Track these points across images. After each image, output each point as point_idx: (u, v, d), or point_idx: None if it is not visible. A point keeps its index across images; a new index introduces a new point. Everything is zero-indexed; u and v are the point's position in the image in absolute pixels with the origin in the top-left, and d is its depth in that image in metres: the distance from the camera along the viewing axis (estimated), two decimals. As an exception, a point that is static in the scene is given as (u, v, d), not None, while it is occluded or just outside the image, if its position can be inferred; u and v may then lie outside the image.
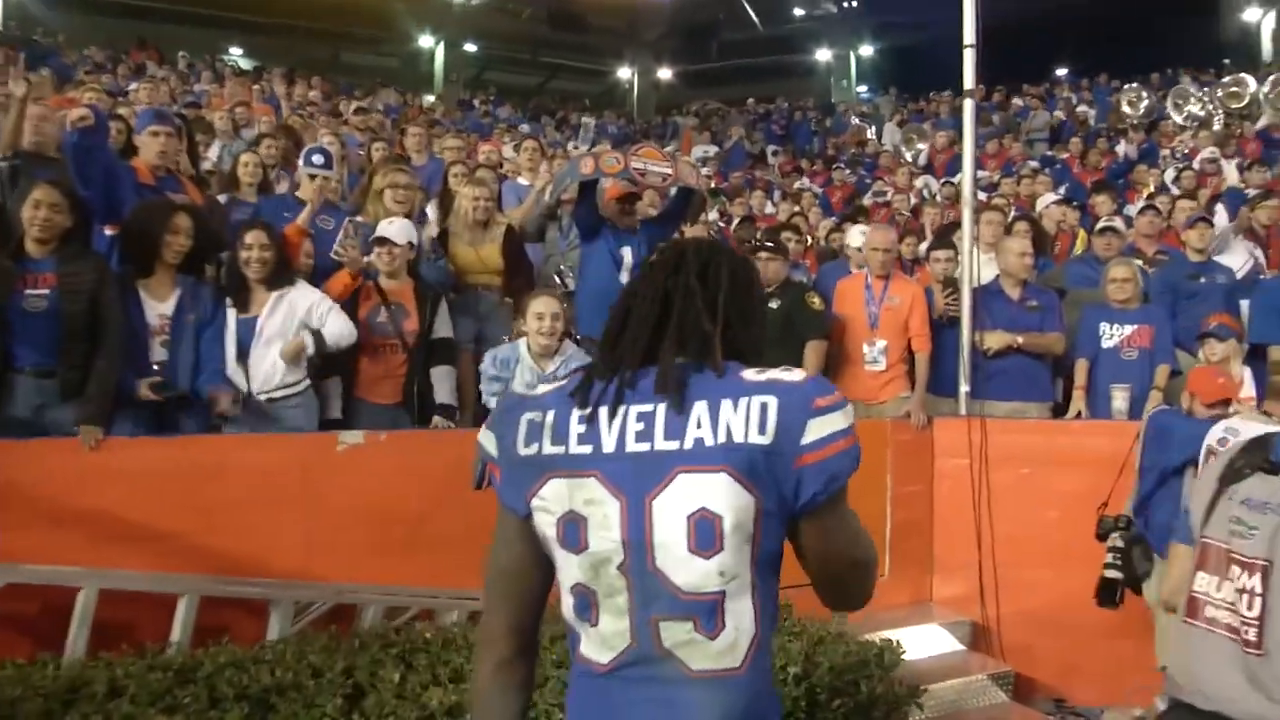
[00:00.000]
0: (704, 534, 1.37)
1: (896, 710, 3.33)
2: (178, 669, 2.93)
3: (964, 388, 5.06)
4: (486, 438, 1.54)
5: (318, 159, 5.53)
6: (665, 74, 30.57)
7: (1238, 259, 6.63)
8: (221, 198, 5.61)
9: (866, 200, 10.45)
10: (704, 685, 1.41)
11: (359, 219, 5.18)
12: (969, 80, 5.14)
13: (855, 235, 6.69)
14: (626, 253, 5.54)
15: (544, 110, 21.49)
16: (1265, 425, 3.23)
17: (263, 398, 4.35)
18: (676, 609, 1.40)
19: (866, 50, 29.58)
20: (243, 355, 4.35)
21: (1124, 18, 24.59)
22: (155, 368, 4.10)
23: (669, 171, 5.55)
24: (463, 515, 4.30)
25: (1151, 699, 4.27)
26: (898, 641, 3.84)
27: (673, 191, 5.61)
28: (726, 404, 1.40)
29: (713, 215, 7.51)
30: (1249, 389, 4.97)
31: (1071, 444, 5.02)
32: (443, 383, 4.82)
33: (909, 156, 14.14)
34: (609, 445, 1.44)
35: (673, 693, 1.41)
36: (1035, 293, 5.54)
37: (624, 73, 30.75)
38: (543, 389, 1.56)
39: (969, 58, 5.12)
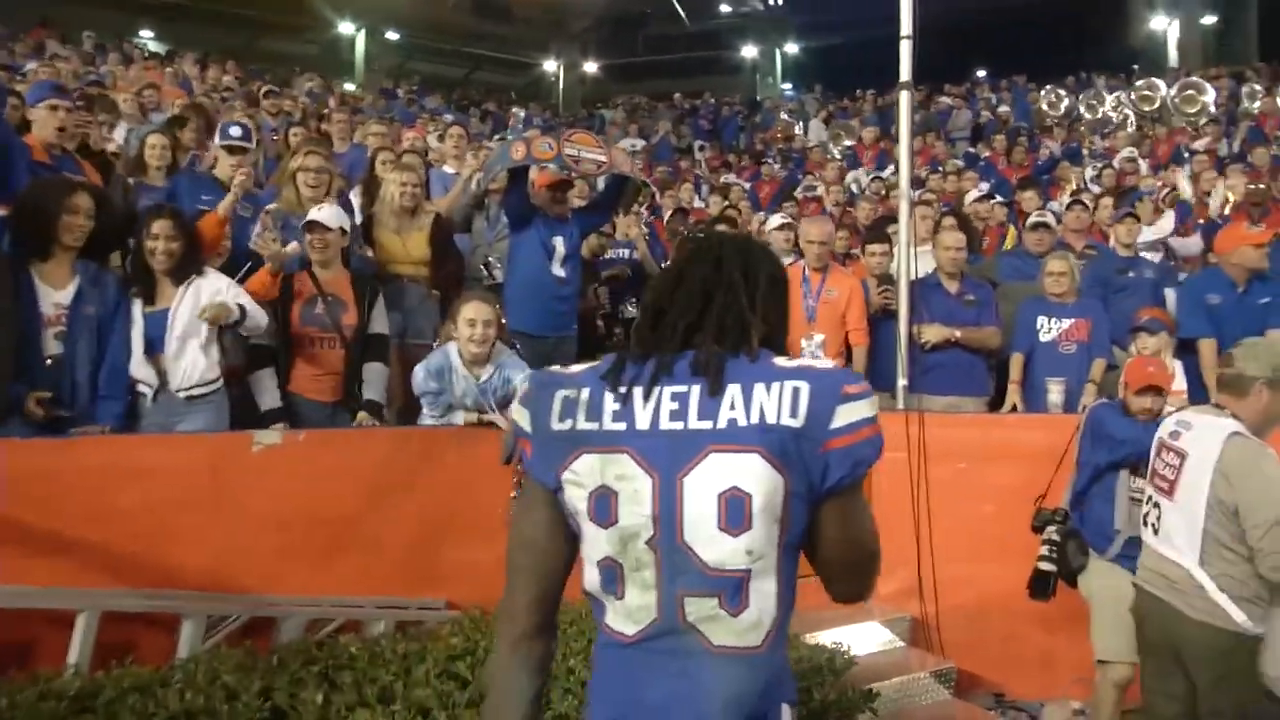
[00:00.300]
0: (734, 512, 1.42)
1: (849, 716, 3.21)
2: (74, 695, 2.65)
3: (901, 381, 4.98)
4: (519, 414, 1.58)
5: (235, 131, 5.24)
6: (591, 67, 30.43)
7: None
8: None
9: (798, 194, 10.40)
10: (725, 660, 1.46)
11: (275, 207, 4.89)
12: (905, 72, 5.06)
13: (775, 220, 6.69)
14: (558, 242, 5.35)
15: (470, 101, 21.10)
16: (1217, 417, 3.20)
17: (182, 395, 4.05)
18: (703, 585, 1.44)
19: (792, 48, 29.83)
20: (149, 350, 4.04)
21: (1039, 22, 25.23)
22: (49, 361, 3.77)
23: (603, 158, 5.38)
24: (393, 518, 4.14)
25: (1088, 692, 4.28)
26: (848, 647, 3.76)
27: (601, 182, 5.42)
28: (759, 387, 1.44)
29: (641, 207, 7.34)
30: (1180, 382, 5.00)
31: (1008, 438, 4.98)
32: (375, 380, 4.56)
33: (836, 152, 14.18)
34: (643, 423, 1.47)
35: (694, 665, 1.46)
36: (972, 286, 5.52)
37: (550, 65, 30.49)
38: (576, 368, 1.59)
39: (905, 49, 5.04)
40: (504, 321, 4.59)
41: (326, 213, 4.58)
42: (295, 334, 4.43)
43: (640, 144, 15.60)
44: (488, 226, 5.97)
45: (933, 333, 5.18)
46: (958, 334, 5.22)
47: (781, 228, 6.59)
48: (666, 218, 8.27)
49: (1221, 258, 5.65)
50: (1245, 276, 5.36)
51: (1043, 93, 16.66)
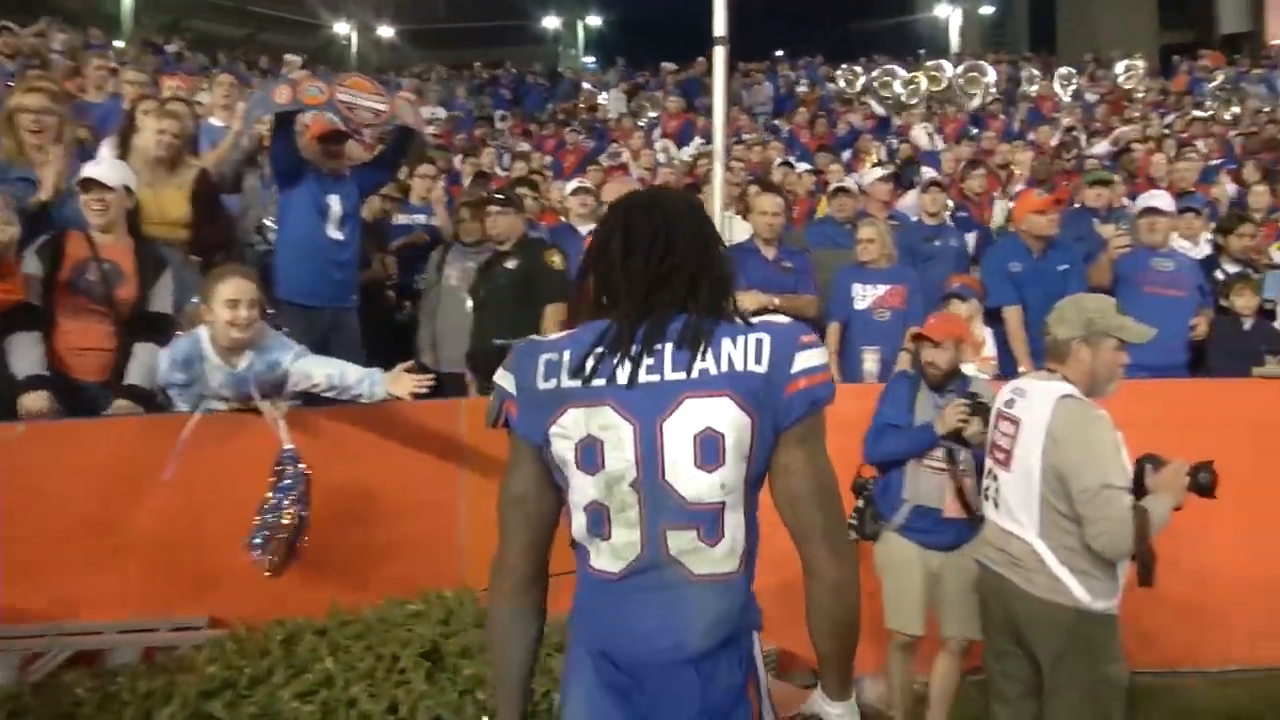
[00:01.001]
0: (709, 450, 1.59)
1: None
2: None
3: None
4: (504, 378, 1.70)
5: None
6: (387, 32, 29.16)
7: None
8: None
9: (602, 160, 10.02)
10: (704, 588, 1.63)
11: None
12: (719, 27, 4.69)
13: (573, 184, 6.32)
14: (334, 201, 4.72)
15: (250, 64, 19.49)
16: (1049, 381, 3.02)
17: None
18: (682, 518, 1.61)
19: (594, 20, 29.65)
20: None
21: (832, 6, 26.06)
22: None
23: (382, 107, 4.76)
24: (141, 521, 3.47)
25: (923, 666, 4.15)
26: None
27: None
28: (726, 340, 1.62)
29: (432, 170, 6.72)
30: (990, 349, 4.94)
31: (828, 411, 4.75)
32: (143, 362, 3.85)
33: (642, 124, 13.92)
34: (622, 379, 1.62)
35: (677, 594, 1.62)
36: (789, 254, 5.27)
37: (342, 28, 28.98)
38: (555, 335, 1.72)
39: (720, 3, 4.68)
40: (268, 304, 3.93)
41: (105, 169, 3.93)
42: (61, 300, 3.75)
43: (442, 112, 14.80)
44: (263, 185, 5.23)
45: (750, 300, 4.88)
46: (776, 301, 4.93)
47: (578, 192, 6.20)
48: (467, 184, 7.69)
49: (1016, 226, 5.67)
50: (1040, 245, 5.34)
51: (839, 71, 17.01)
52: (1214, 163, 9.58)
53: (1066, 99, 14.33)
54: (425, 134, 5.27)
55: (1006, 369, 4.87)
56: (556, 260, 4.78)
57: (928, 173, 7.33)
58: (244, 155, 5.19)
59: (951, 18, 28.22)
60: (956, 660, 3.75)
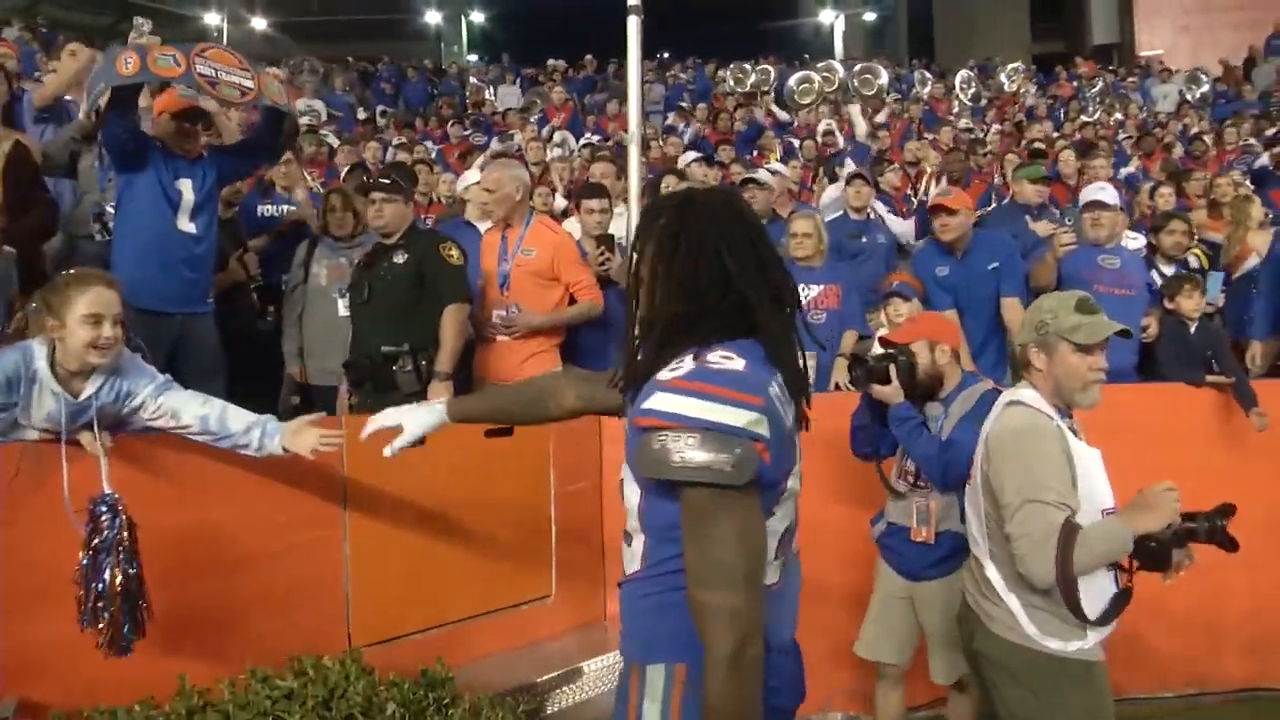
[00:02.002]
0: None
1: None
2: None
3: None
4: (750, 419, 1.47)
5: None
6: (260, 23, 27.74)
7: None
8: None
9: (493, 149, 9.40)
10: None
11: None
12: (633, -4, 4.18)
13: (471, 176, 5.76)
14: (185, 187, 4.01)
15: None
16: (1018, 389, 2.64)
17: None
18: None
19: (478, 16, 28.88)
20: None
21: (716, 11, 25.99)
22: None
23: (249, 84, 4.05)
24: None
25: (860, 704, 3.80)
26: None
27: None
28: None
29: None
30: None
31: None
32: None
33: (533, 119, 13.31)
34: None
35: None
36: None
37: (212, 18, 27.38)
38: (738, 360, 1.53)
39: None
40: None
41: None
42: None
43: (320, 105, 13.85)
44: (100, 169, 4.43)
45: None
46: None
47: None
48: (344, 173, 6.96)
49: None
50: (960, 245, 4.95)
51: (728, 70, 16.71)
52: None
53: (966, 101, 14.37)
54: (295, 116, 4.54)
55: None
56: (455, 255, 4.16)
57: (851, 166, 6.93)
58: (79, 130, 4.39)
59: (835, 24, 28.61)
60: (896, 689, 3.40)
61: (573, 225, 5.14)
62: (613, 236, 4.70)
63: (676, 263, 1.59)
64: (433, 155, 10.06)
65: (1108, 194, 4.98)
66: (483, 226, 4.96)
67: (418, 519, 3.36)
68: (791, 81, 14.86)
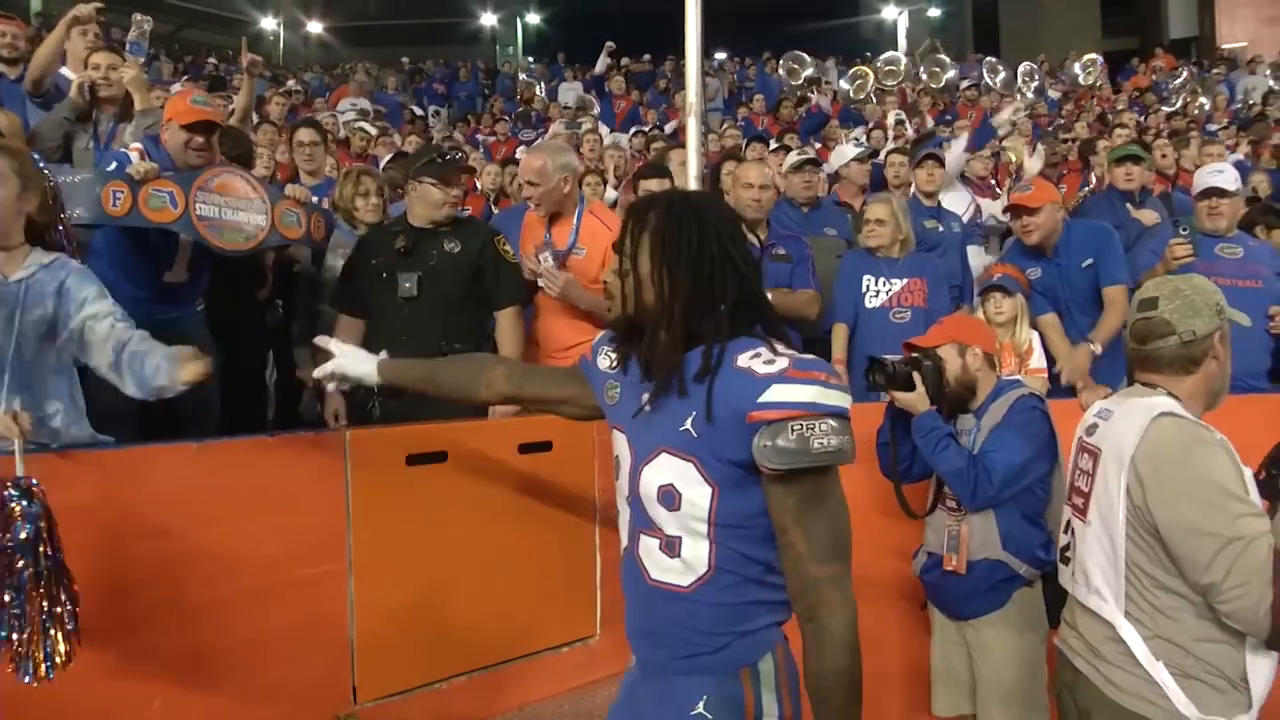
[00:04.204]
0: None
1: None
2: None
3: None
4: (849, 402, 1.55)
5: None
6: (316, 28, 27.92)
7: (960, 203, 5.80)
8: None
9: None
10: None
11: None
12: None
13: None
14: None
15: (175, 61, 18.01)
16: (1147, 396, 2.05)
17: None
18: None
19: (534, 18, 28.76)
20: None
21: (775, 11, 25.52)
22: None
23: (260, 221, 3.60)
24: None
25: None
26: None
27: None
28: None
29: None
30: (1040, 358, 3.94)
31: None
32: None
33: (593, 113, 12.90)
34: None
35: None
36: (783, 239, 4.21)
37: (269, 23, 27.58)
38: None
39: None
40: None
41: None
42: None
43: (365, 105, 13.59)
44: (96, 149, 4.03)
45: (733, 295, 3.85)
46: (769, 296, 3.89)
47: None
48: (384, 162, 6.57)
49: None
50: (1049, 244, 4.32)
51: (781, 61, 16.13)
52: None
53: (1030, 95, 13.65)
54: (317, 239, 4.00)
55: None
56: (509, 251, 3.67)
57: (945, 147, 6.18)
58: (72, 109, 3.99)
59: (899, 20, 28.15)
60: None
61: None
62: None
63: (685, 256, 1.60)
64: (481, 152, 9.68)
65: (1226, 177, 4.31)
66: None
67: (436, 548, 2.86)
68: (843, 80, 14.40)
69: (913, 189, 5.48)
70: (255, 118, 6.63)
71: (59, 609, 2.04)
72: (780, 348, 1.58)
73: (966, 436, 2.79)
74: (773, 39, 20.90)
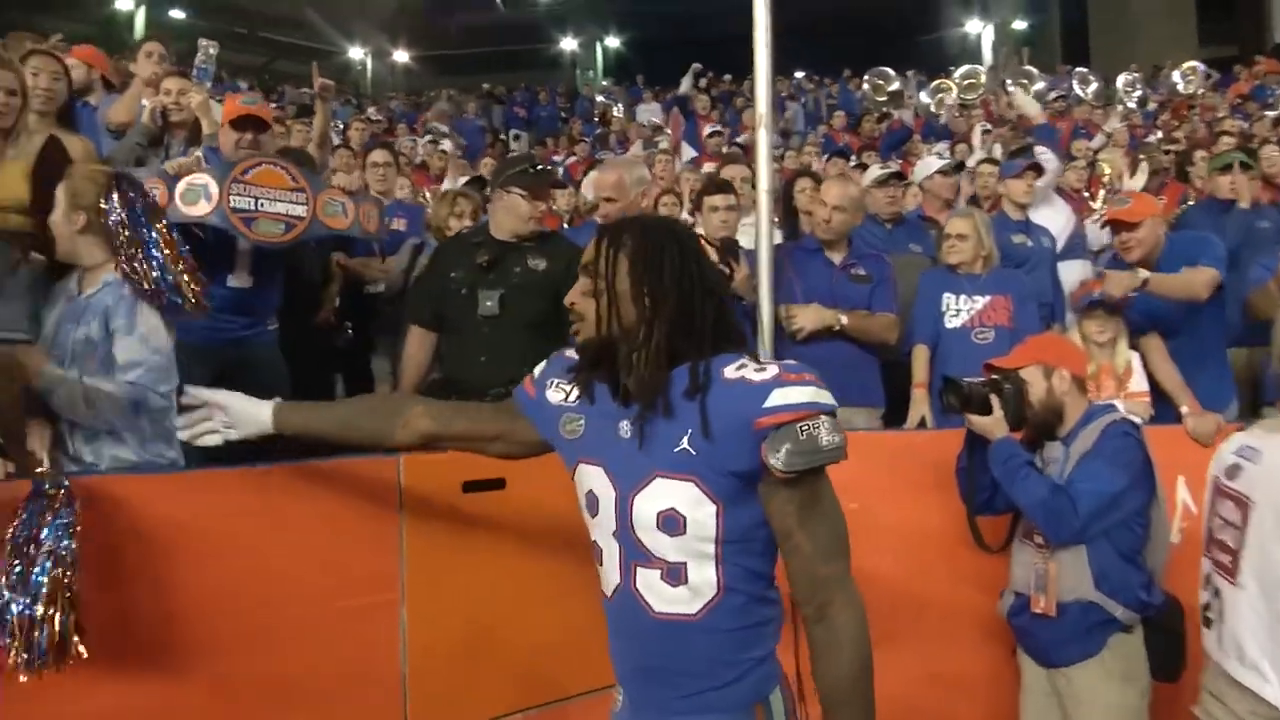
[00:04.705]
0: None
1: None
2: None
3: (834, 409, 3.41)
4: (832, 397, 1.58)
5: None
6: (402, 57, 28.66)
7: (1057, 218, 5.52)
8: None
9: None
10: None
11: None
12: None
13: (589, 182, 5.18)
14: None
15: (267, 91, 18.68)
16: None
17: None
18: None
19: (613, 42, 29.06)
20: None
21: (856, 29, 25.27)
22: None
23: (300, 212, 3.53)
24: None
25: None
26: None
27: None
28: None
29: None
30: (1141, 380, 3.68)
31: (916, 464, 3.44)
32: None
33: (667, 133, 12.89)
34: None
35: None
36: (864, 259, 4.02)
37: (357, 53, 28.41)
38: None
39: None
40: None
41: None
42: None
43: (443, 131, 13.82)
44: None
45: (809, 316, 3.66)
46: (843, 319, 3.72)
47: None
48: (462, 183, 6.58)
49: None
50: (1150, 262, 4.04)
51: (865, 77, 15.90)
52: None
53: (1131, 104, 13.16)
54: (381, 235, 3.97)
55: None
56: None
57: (1045, 156, 5.86)
58: (144, 134, 4.05)
59: (984, 33, 27.68)
60: None
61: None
62: (736, 242, 4.04)
63: (668, 275, 1.60)
64: (561, 174, 9.72)
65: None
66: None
67: (493, 580, 2.75)
68: (924, 94, 14.10)
69: (1003, 202, 5.25)
70: (337, 142, 6.77)
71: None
72: (761, 358, 1.61)
73: (1054, 466, 2.58)
74: (855, 56, 20.69)
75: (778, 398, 1.51)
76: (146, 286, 2.58)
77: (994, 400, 2.63)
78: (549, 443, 1.81)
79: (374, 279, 4.55)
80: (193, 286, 2.63)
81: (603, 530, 1.66)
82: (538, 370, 1.88)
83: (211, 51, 4.58)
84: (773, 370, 1.55)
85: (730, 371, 1.55)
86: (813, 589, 1.55)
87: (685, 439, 1.54)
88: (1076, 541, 2.49)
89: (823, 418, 1.52)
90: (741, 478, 1.54)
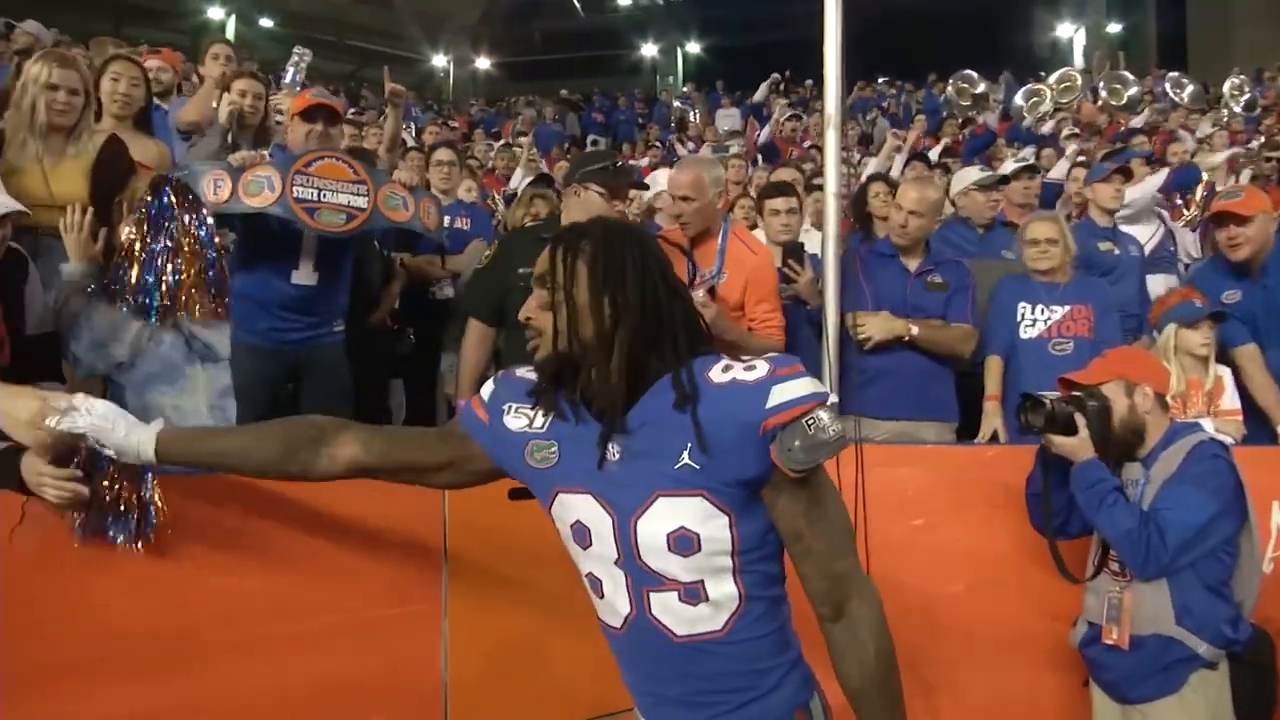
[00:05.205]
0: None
1: None
2: None
3: (830, 398, 3.30)
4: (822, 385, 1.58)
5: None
6: (484, 64, 29.11)
7: (1145, 230, 5.27)
8: None
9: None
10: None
11: None
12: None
13: (660, 180, 5.09)
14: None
15: (354, 99, 19.19)
16: None
17: None
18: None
19: (694, 47, 29.13)
20: None
21: (944, 32, 24.84)
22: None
23: (361, 204, 3.53)
24: None
25: None
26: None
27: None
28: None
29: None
30: (1233, 398, 3.45)
31: (987, 481, 3.27)
32: None
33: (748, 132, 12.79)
34: None
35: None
36: (943, 265, 3.85)
37: (439, 61, 28.96)
38: None
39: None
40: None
41: None
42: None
43: (523, 141, 13.95)
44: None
45: (878, 325, 3.53)
46: (914, 329, 3.57)
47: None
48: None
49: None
50: (1256, 263, 3.81)
51: (950, 81, 15.58)
52: None
53: (1238, 109, 12.61)
54: (442, 233, 3.96)
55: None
56: None
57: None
58: (221, 139, 4.08)
59: (1075, 37, 27.08)
60: None
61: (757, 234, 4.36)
62: (801, 246, 3.92)
63: (630, 281, 1.51)
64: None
65: None
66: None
67: (537, 589, 2.67)
68: (1019, 97, 13.71)
69: (1090, 208, 5.02)
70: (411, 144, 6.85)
71: None
72: (742, 356, 1.54)
73: (1133, 488, 2.42)
74: (942, 60, 20.35)
75: (779, 395, 1.45)
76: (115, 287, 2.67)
77: (1078, 419, 2.46)
78: (505, 472, 1.70)
79: (438, 278, 4.54)
80: (196, 300, 2.65)
81: (600, 561, 1.57)
82: (485, 392, 1.72)
83: (304, 60, 4.64)
84: (763, 366, 1.48)
85: (717, 374, 1.48)
86: (829, 586, 1.51)
87: (685, 454, 1.46)
88: (1163, 575, 2.34)
89: (822, 408, 1.47)
90: (750, 484, 1.47)
